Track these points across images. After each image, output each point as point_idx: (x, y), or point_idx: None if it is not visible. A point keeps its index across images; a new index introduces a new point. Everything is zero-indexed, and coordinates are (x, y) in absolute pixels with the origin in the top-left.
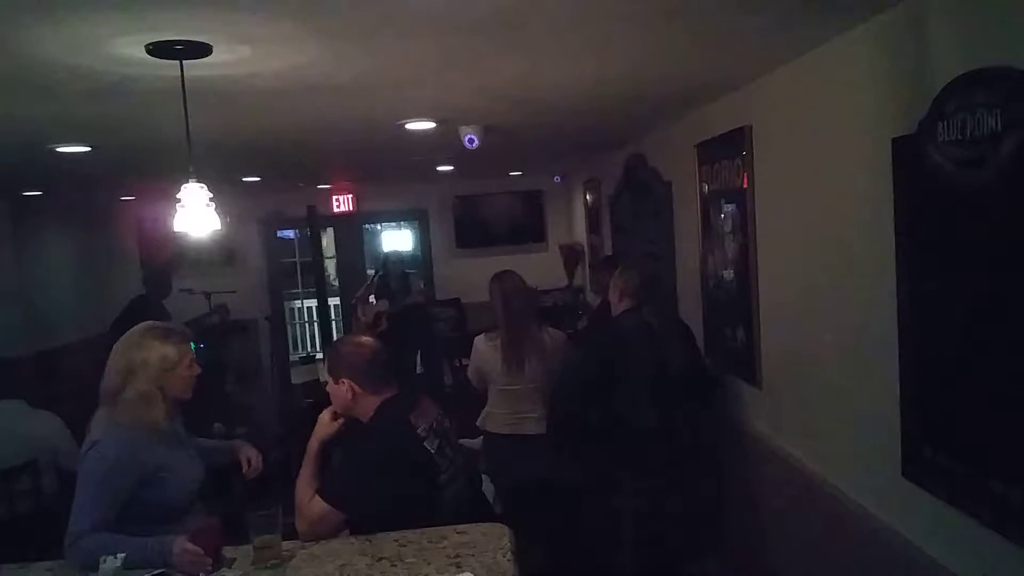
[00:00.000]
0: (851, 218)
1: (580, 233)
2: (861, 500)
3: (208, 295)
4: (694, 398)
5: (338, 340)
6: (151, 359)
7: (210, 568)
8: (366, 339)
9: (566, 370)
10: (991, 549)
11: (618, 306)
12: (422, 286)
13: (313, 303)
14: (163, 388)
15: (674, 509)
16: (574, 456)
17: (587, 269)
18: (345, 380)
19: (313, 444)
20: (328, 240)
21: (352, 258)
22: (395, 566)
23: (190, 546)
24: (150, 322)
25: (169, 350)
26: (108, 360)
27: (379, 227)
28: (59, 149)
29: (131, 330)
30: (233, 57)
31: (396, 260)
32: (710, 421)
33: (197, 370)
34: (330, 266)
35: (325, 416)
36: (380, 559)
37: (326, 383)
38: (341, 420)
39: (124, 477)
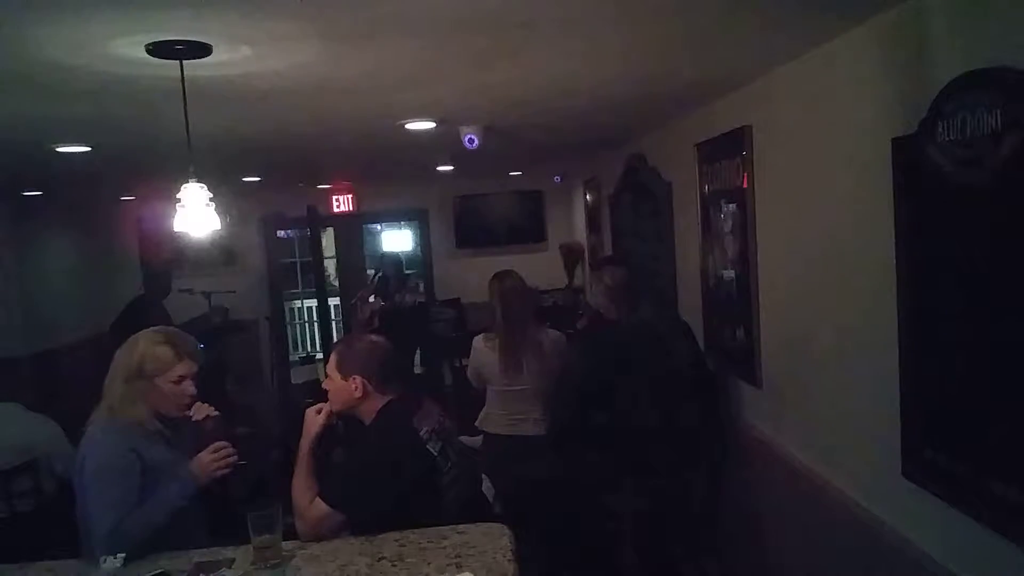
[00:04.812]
0: (851, 218)
1: (580, 233)
2: (861, 500)
3: (208, 295)
4: (695, 397)
5: (349, 337)
6: (147, 356)
7: (235, 456)
8: (378, 338)
9: (565, 373)
10: (991, 549)
11: (610, 307)
12: (421, 287)
13: (313, 303)
14: (148, 386)
15: (674, 509)
16: (574, 457)
17: (587, 269)
18: (357, 376)
19: (304, 444)
20: (328, 240)
21: (352, 258)
22: (395, 566)
23: (203, 455)
24: (166, 327)
25: (165, 352)
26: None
27: (379, 227)
28: (59, 149)
29: (145, 329)
30: (233, 57)
31: (391, 261)
32: (710, 420)
33: (191, 390)
34: (330, 266)
35: (311, 413)
36: (380, 559)
37: (326, 380)
38: (327, 414)
39: (130, 465)
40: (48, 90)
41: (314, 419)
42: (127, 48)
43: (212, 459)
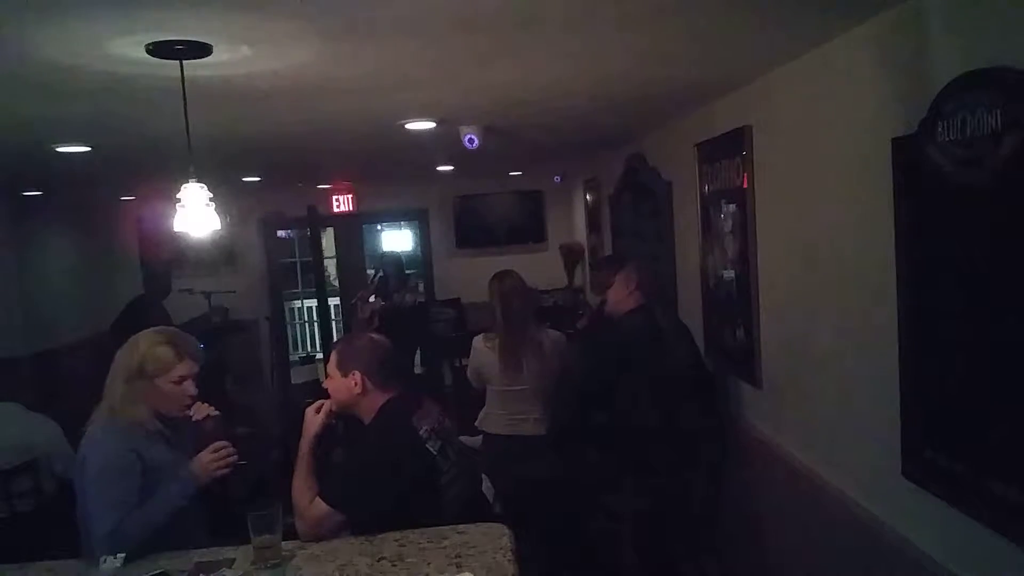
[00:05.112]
0: (851, 218)
1: (580, 233)
2: (861, 500)
3: (208, 295)
4: (695, 397)
5: (349, 336)
6: (147, 356)
7: (235, 455)
8: (379, 336)
9: (565, 373)
10: (991, 549)
11: (625, 300)
12: (421, 287)
13: (313, 303)
14: (148, 386)
15: (674, 509)
16: (574, 457)
17: (587, 269)
18: (357, 372)
19: (304, 444)
20: (328, 240)
21: (352, 258)
22: (395, 566)
23: (203, 455)
24: (167, 327)
25: (166, 353)
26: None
27: (379, 227)
28: (59, 149)
29: (146, 329)
30: (233, 57)
31: (391, 260)
32: (710, 421)
33: (192, 390)
34: (330, 266)
35: (310, 412)
36: (380, 559)
37: (326, 378)
38: (326, 412)
39: (130, 466)
40: (48, 90)
41: (313, 418)
42: (127, 48)
43: (212, 459)
